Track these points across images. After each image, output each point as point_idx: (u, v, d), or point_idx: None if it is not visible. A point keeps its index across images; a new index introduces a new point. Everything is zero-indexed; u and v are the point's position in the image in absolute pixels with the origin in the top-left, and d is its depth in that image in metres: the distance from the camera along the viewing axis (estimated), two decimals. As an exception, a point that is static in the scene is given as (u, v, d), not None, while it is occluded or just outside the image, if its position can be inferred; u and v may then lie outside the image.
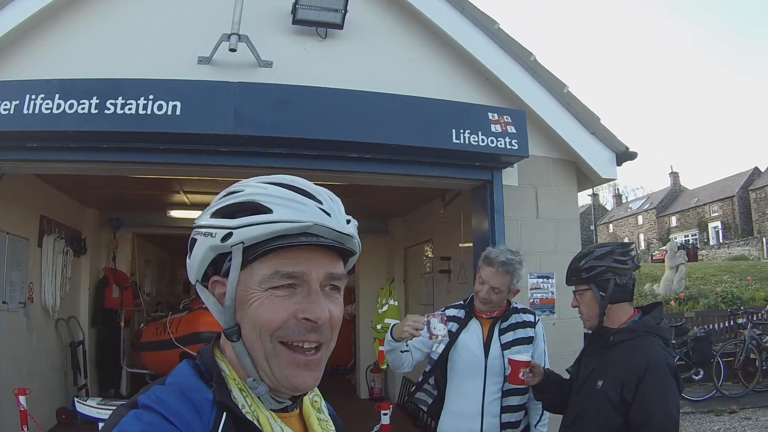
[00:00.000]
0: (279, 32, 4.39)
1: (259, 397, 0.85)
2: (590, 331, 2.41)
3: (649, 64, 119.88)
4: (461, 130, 4.16)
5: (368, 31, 4.63)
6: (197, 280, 0.91)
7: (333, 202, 0.88)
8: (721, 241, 41.40)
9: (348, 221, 0.89)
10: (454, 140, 4.14)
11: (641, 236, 53.02)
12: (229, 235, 0.83)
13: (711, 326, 9.25)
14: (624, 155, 4.88)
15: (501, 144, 4.20)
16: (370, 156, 4.20)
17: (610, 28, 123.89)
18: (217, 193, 0.91)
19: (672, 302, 10.69)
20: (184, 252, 0.93)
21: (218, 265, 0.87)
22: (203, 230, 0.87)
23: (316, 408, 1.00)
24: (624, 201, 63.23)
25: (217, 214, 0.87)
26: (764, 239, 34.67)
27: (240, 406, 0.82)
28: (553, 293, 4.56)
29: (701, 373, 8.07)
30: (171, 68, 4.00)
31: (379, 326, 7.85)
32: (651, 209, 52.94)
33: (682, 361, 7.93)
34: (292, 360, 0.83)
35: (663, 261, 14.02)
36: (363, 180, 4.67)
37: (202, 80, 3.92)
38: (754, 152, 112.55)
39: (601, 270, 2.24)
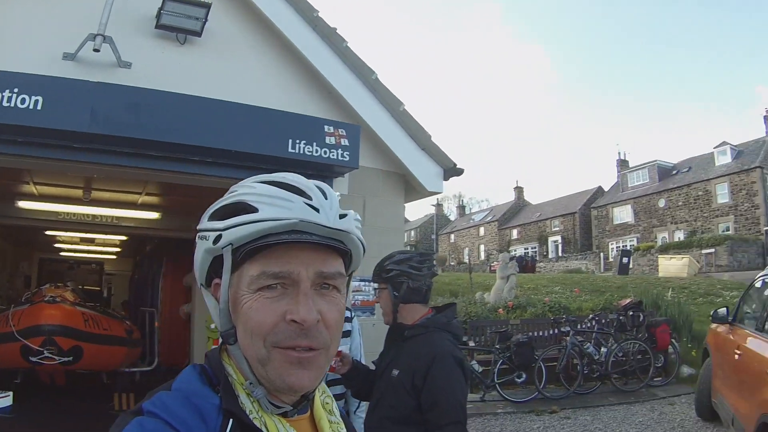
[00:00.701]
0: (142, 35, 4.52)
1: (258, 401, 0.83)
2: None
3: (503, 84, 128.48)
4: (297, 141, 4.34)
5: (225, 41, 4.82)
6: (201, 284, 0.90)
7: (325, 198, 0.85)
8: (560, 254, 44.61)
9: (342, 216, 0.85)
10: (290, 149, 4.32)
11: (482, 247, 55.68)
12: (219, 237, 0.82)
13: (536, 333, 9.84)
14: (451, 171, 5.35)
15: (333, 155, 4.42)
16: (211, 160, 4.32)
17: (471, 53, 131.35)
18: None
19: (500, 310, 11.26)
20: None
21: (218, 267, 0.85)
22: (201, 233, 0.86)
23: (328, 410, 0.96)
24: (468, 212, 65.96)
25: (212, 217, 0.86)
26: (602, 254, 38.40)
27: (248, 412, 0.81)
28: (373, 296, 4.85)
29: (523, 375, 8.54)
30: (38, 64, 4.01)
31: (212, 325, 7.81)
32: (493, 221, 55.47)
33: (505, 365, 8.41)
34: (284, 358, 0.80)
35: (498, 271, 14.83)
36: (207, 182, 4.72)
37: (64, 77, 3.94)
38: (600, 172, 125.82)
39: (397, 273, 2.45)
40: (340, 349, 2.78)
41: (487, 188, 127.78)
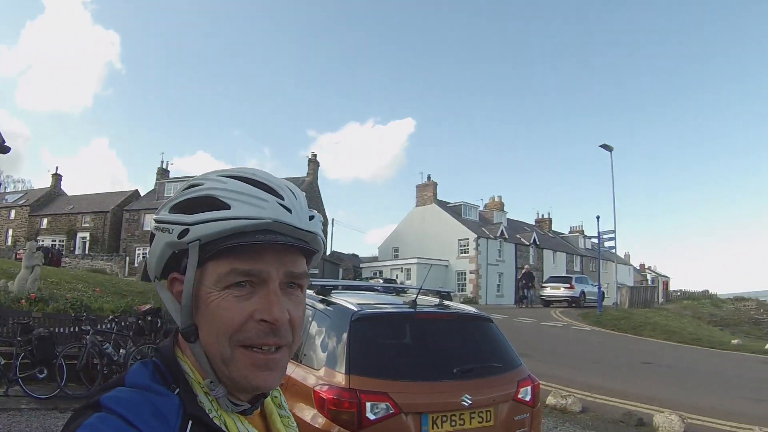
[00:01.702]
0: None
1: (216, 400, 0.81)
2: None
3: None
4: None
5: None
6: (156, 277, 0.86)
7: (295, 198, 0.84)
8: (86, 252, 43.02)
9: (311, 217, 0.85)
10: None
11: (10, 231, 50.12)
12: (186, 231, 0.79)
13: (58, 329, 9.60)
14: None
15: None
16: None
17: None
18: None
19: (23, 301, 10.83)
20: None
21: (178, 261, 0.82)
22: (161, 225, 0.83)
23: (277, 404, 0.96)
24: (2, 191, 58.45)
25: (175, 209, 0.83)
26: (128, 258, 38.43)
27: (207, 411, 0.79)
28: None
29: (45, 371, 8.32)
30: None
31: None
32: (26, 205, 50.69)
33: (27, 359, 8.20)
34: (251, 360, 0.79)
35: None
36: None
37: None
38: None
39: None
40: None
41: (28, 169, 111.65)
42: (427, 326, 4.24)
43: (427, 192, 49.99)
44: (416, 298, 4.30)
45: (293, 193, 0.84)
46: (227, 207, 0.79)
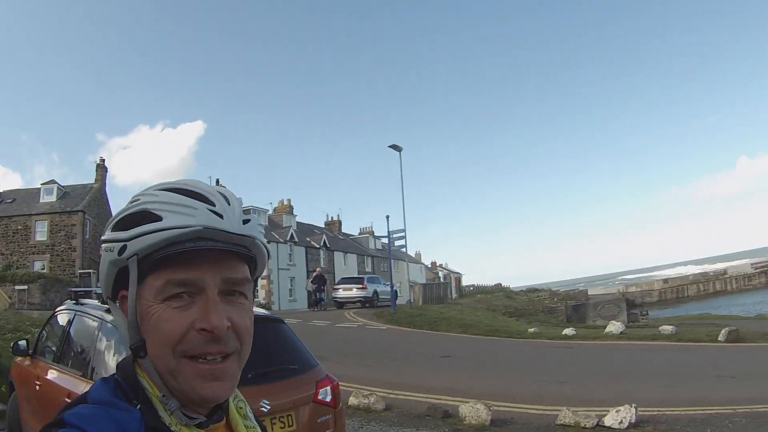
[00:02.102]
0: None
1: (171, 413, 0.81)
2: None
3: None
4: None
5: None
6: (108, 297, 0.88)
7: (228, 204, 0.84)
8: None
9: (246, 221, 0.85)
10: None
11: None
12: (124, 248, 0.81)
13: None
14: None
15: None
16: None
17: None
18: None
19: None
20: None
21: (126, 279, 0.83)
22: (105, 245, 0.85)
23: (242, 415, 0.95)
24: None
25: (116, 227, 0.84)
26: None
27: (168, 424, 0.80)
28: None
29: None
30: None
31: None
32: None
33: None
34: (196, 372, 0.79)
35: None
36: None
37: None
38: None
39: None
40: None
41: None
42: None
43: (215, 197, 48.21)
44: None
45: (226, 199, 0.85)
46: (159, 218, 0.80)
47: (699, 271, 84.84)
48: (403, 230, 28.89)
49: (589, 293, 52.90)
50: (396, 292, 28.55)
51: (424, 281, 48.83)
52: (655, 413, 7.37)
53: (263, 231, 0.90)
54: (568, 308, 35.10)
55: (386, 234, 29.61)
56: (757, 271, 64.33)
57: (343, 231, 60.57)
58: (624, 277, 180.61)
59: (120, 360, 0.89)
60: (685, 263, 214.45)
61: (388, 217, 30.00)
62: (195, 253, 0.79)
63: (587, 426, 6.82)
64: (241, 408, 0.96)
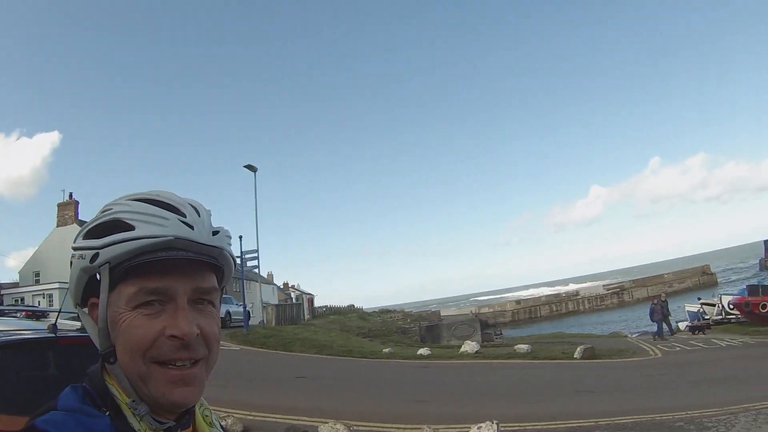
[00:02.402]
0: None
1: (142, 420, 0.82)
2: None
3: None
4: None
5: None
6: (77, 304, 0.89)
7: (198, 215, 0.86)
8: None
9: (215, 233, 0.87)
10: None
11: None
12: (96, 255, 0.82)
13: None
14: None
15: None
16: None
17: None
18: None
19: None
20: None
21: (97, 286, 0.84)
22: (76, 252, 0.85)
23: (208, 423, 0.96)
24: None
25: (87, 235, 0.86)
26: None
27: (137, 430, 0.80)
28: None
29: None
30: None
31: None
32: None
33: None
34: (166, 377, 0.81)
35: None
36: None
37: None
38: None
39: None
40: None
41: None
42: (72, 352, 3.85)
43: (68, 211, 47.39)
44: (56, 321, 3.98)
45: (196, 210, 0.87)
46: (132, 228, 0.82)
47: (551, 293, 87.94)
48: (257, 251, 28.32)
49: (441, 314, 54.63)
50: (249, 312, 27.69)
51: (276, 302, 48.12)
52: (518, 428, 7.50)
53: (231, 243, 0.92)
54: (422, 329, 35.56)
55: (239, 254, 28.76)
56: (609, 292, 67.04)
57: (194, 250, 58.18)
58: (476, 298, 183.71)
59: (88, 368, 0.89)
60: (537, 285, 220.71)
61: (241, 237, 29.29)
62: (166, 263, 0.81)
63: (449, 443, 6.73)
64: (207, 416, 0.98)
